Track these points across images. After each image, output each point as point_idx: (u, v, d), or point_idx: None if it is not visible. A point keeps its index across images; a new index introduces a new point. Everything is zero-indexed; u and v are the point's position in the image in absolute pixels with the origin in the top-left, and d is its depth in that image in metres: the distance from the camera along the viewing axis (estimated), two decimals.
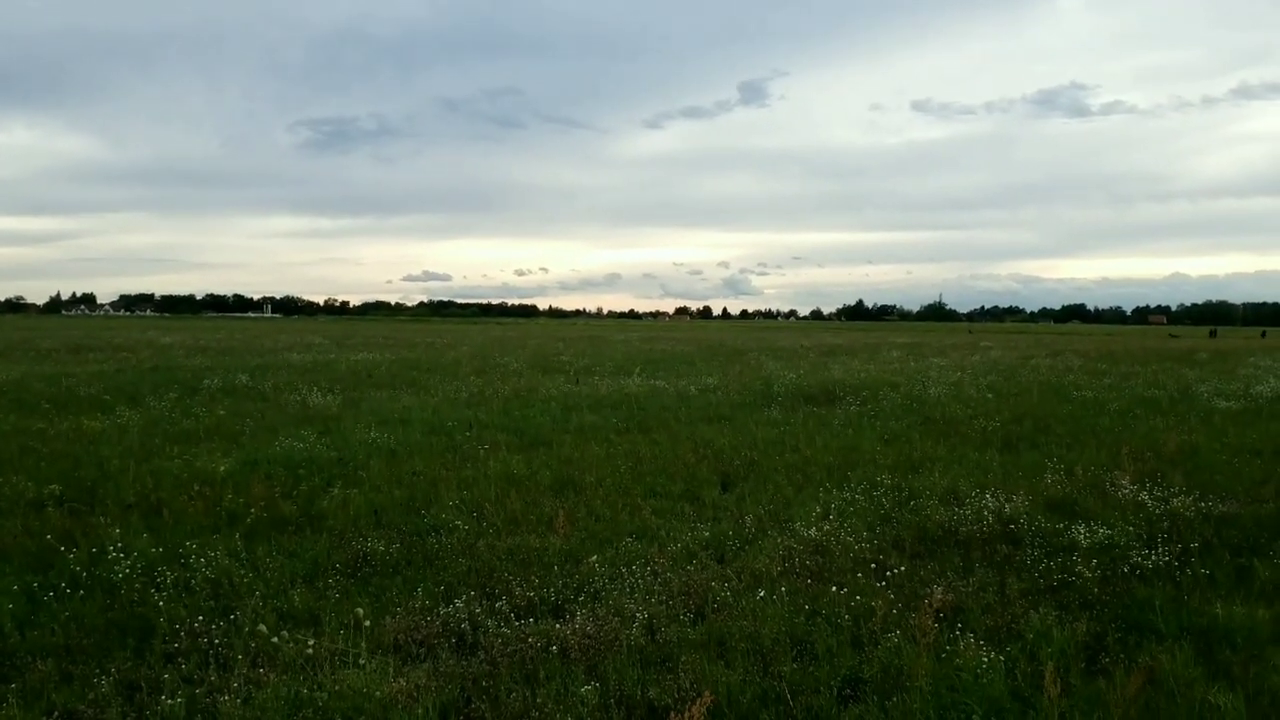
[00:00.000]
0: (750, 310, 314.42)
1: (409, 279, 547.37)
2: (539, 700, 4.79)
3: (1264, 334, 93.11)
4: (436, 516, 8.40)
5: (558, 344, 48.97)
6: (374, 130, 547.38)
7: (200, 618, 5.80)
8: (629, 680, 5.02)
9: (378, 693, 4.81)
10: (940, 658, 5.25)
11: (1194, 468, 10.95)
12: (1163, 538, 7.66)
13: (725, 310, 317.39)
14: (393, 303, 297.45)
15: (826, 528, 7.84)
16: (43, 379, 21.85)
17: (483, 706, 4.79)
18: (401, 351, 38.55)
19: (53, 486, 9.27)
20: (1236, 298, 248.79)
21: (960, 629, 5.66)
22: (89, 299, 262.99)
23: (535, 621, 5.86)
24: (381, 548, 7.35)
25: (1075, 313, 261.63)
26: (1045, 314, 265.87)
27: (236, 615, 5.91)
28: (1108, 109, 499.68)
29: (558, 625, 5.75)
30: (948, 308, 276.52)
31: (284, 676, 5.06)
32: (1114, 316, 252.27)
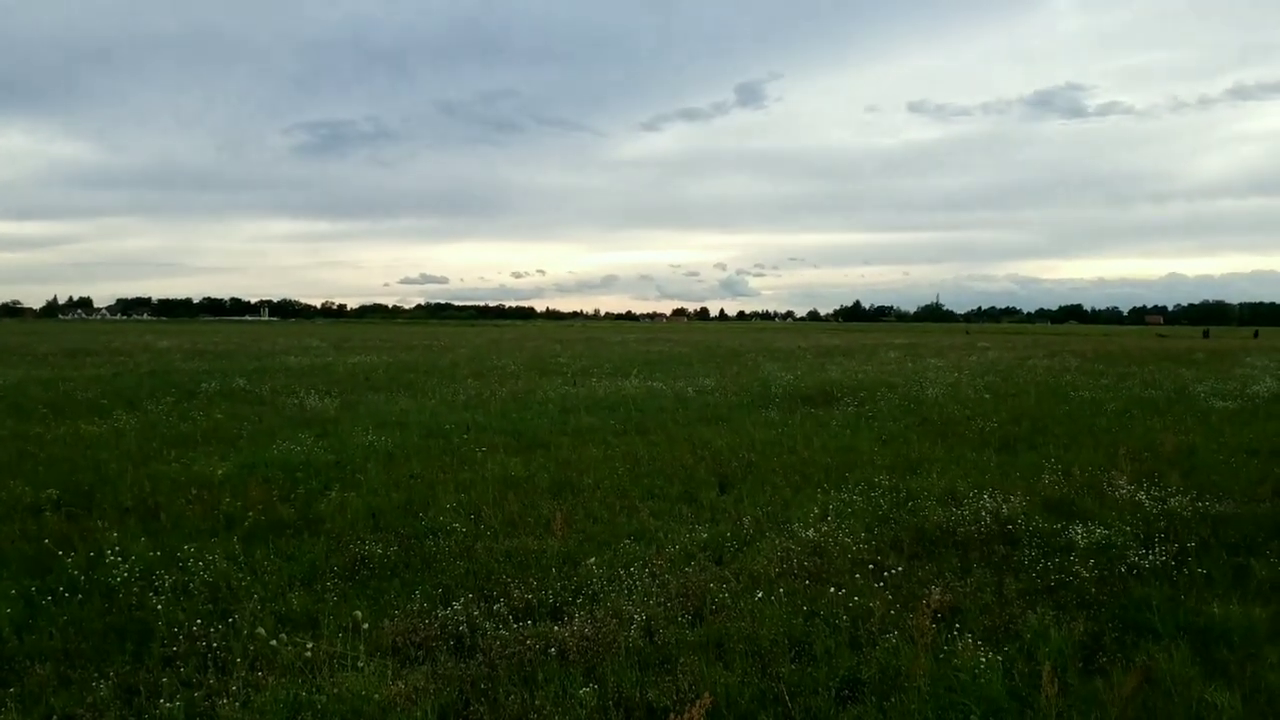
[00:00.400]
0: (747, 311, 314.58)
1: (406, 282, 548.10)
2: (537, 702, 4.80)
3: (1256, 334, 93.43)
4: (434, 519, 8.40)
5: (555, 346, 48.99)
6: (371, 133, 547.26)
7: (198, 621, 5.80)
8: (628, 682, 5.02)
9: (376, 695, 4.82)
10: (938, 658, 5.26)
11: (1191, 468, 10.98)
12: (1160, 537, 7.68)
13: (722, 311, 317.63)
14: (390, 305, 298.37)
15: (824, 529, 7.85)
16: (40, 383, 21.83)
17: (481, 709, 4.79)
18: (399, 354, 38.55)
19: (50, 491, 9.27)
20: (1233, 298, 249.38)
21: (958, 629, 5.67)
22: (86, 303, 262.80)
23: (533, 623, 5.87)
24: (379, 550, 7.35)
25: (1072, 313, 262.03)
26: (1042, 314, 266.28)
27: (235, 618, 5.91)
28: (1104, 110, 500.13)
29: (556, 627, 5.75)
30: (945, 308, 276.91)
31: (282, 679, 5.05)
32: (1111, 317, 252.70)
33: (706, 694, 4.66)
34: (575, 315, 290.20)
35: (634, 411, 16.74)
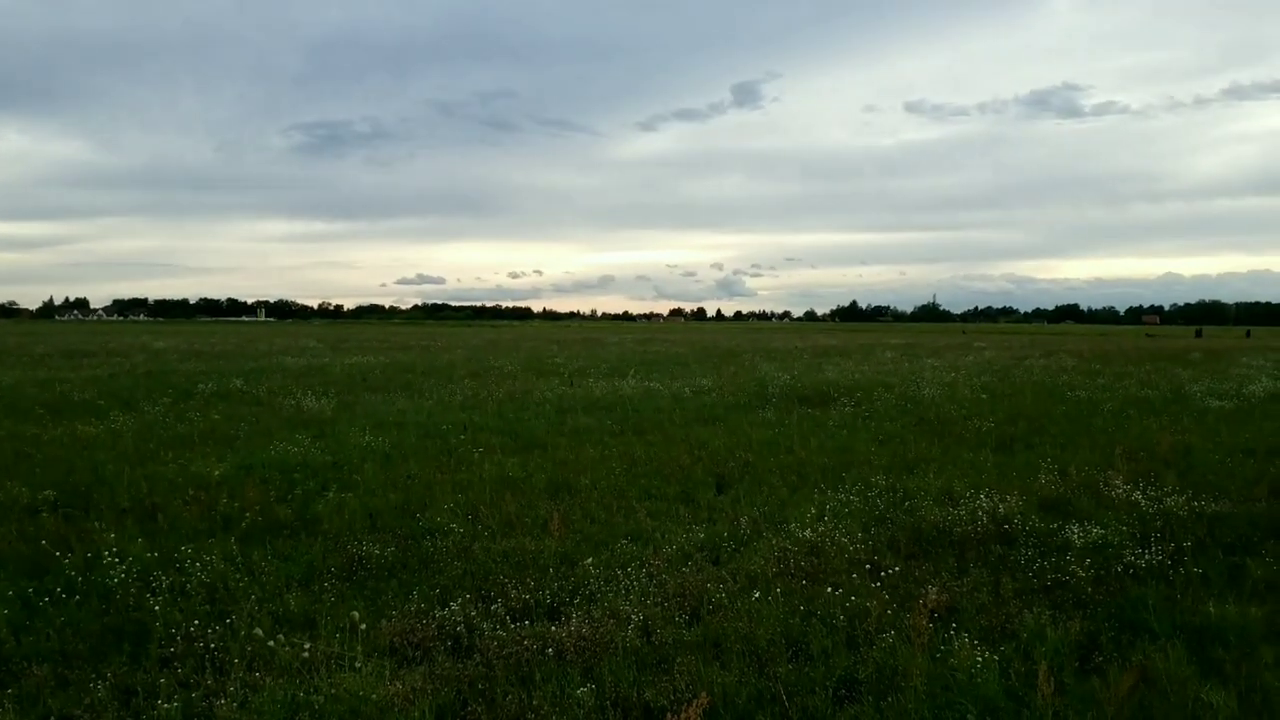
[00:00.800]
0: (744, 312, 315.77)
1: (403, 282, 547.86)
2: (535, 702, 4.80)
3: (1248, 333, 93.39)
4: (431, 519, 8.40)
5: (552, 346, 48.96)
6: (368, 134, 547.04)
7: (196, 622, 5.80)
8: (625, 682, 5.03)
9: (374, 695, 4.82)
10: (935, 658, 5.27)
11: (1187, 467, 11.00)
12: (1156, 537, 7.70)
13: (719, 312, 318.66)
14: (387, 306, 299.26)
15: (821, 529, 7.85)
16: (37, 384, 21.80)
17: (479, 709, 4.80)
18: (396, 355, 38.52)
19: (47, 492, 9.26)
20: (1230, 297, 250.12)
21: (955, 629, 5.68)
22: (82, 304, 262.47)
23: (531, 624, 5.87)
24: (377, 551, 7.35)
25: (1069, 313, 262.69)
26: (1039, 314, 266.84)
27: (232, 619, 5.91)
28: (1100, 109, 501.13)
29: (553, 627, 5.76)
30: (942, 308, 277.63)
31: (280, 680, 5.06)
32: (1108, 316, 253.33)
33: (704, 694, 4.68)
34: (572, 316, 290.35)
35: (631, 412, 16.74)
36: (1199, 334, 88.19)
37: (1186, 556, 7.19)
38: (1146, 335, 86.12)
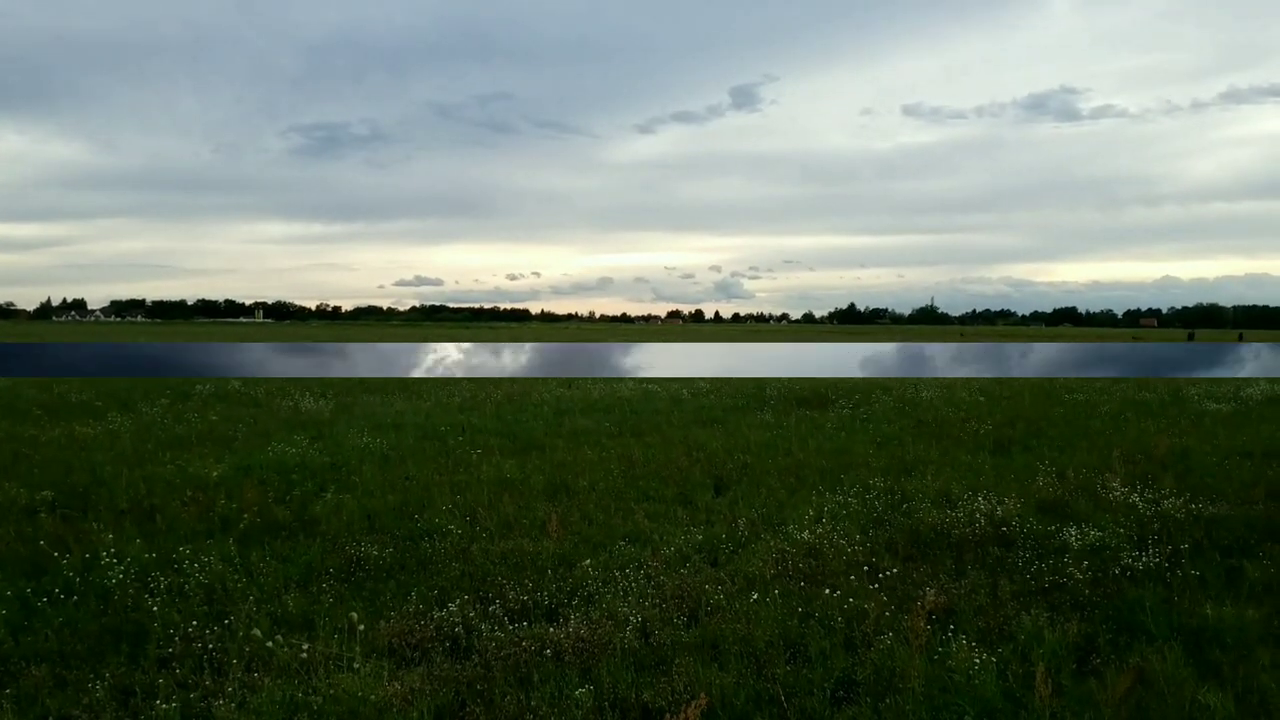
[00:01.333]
0: (742, 314, 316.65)
1: (401, 284, 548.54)
2: (533, 703, 4.81)
3: (1240, 336, 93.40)
4: (430, 521, 8.40)
5: None
6: (366, 136, 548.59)
7: (194, 623, 5.80)
8: (623, 683, 5.03)
9: (372, 696, 4.82)
10: (933, 659, 5.27)
11: (1185, 470, 11.01)
12: (1153, 539, 7.71)
13: (717, 314, 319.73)
14: (385, 308, 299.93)
15: (819, 531, 7.86)
16: (34, 385, 21.76)
17: (477, 710, 4.80)
18: None
19: (45, 493, 9.25)
20: (1227, 300, 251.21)
21: (953, 630, 5.69)
22: (80, 305, 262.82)
23: (529, 625, 5.88)
24: (375, 552, 7.35)
25: (1066, 316, 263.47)
26: (1036, 317, 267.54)
27: (230, 620, 5.90)
28: (1098, 113, 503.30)
29: (551, 629, 5.76)
30: (939, 311, 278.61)
31: (279, 680, 5.06)
32: (1105, 319, 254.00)
33: (702, 695, 4.68)
34: (570, 317, 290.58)
35: (629, 414, 16.75)
36: (1191, 337, 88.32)
37: (1184, 559, 7.20)
38: (1133, 339, 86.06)
